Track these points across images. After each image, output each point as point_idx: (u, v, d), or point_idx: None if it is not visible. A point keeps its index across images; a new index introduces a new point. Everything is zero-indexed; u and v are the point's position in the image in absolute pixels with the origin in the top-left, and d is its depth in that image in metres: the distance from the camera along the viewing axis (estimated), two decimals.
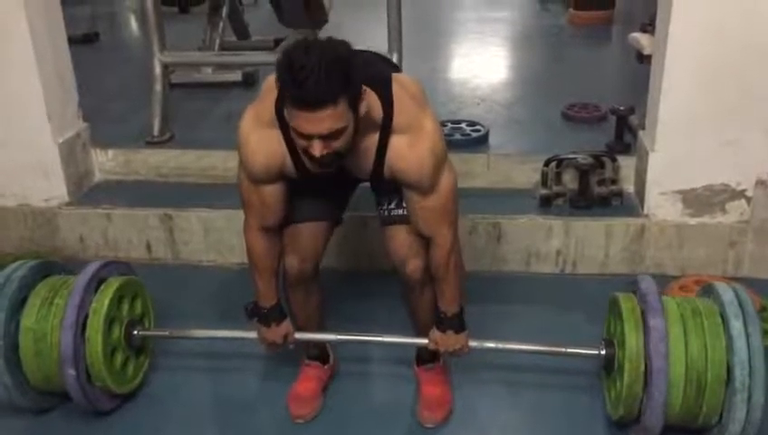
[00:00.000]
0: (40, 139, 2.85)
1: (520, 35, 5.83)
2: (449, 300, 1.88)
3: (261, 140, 1.68)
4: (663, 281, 2.41)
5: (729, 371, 1.72)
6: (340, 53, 1.48)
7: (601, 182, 2.86)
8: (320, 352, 2.17)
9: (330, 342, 2.14)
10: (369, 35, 3.30)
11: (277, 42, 4.62)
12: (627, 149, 3.09)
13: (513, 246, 2.75)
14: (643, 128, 2.80)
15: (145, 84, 3.56)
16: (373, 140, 1.67)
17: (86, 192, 3.07)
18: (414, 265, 1.87)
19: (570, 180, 2.91)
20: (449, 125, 3.36)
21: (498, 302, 2.57)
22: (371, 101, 1.61)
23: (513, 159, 3.08)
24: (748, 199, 2.60)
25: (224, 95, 4.08)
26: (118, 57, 5.24)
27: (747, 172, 2.57)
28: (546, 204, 2.85)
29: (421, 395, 2.08)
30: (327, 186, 1.89)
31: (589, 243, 2.73)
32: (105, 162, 3.18)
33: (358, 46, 1.64)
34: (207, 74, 4.32)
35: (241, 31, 4.96)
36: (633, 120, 3.16)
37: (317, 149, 1.52)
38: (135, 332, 2.10)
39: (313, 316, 2.09)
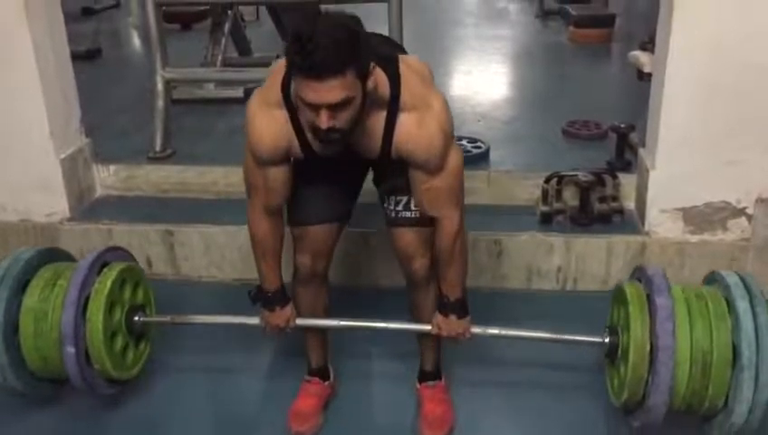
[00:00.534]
0: (42, 154, 2.85)
1: (520, 52, 5.86)
2: (453, 284, 1.87)
3: (267, 121, 1.67)
4: None
5: (735, 351, 1.71)
6: (350, 25, 1.49)
7: (602, 199, 2.86)
8: (320, 369, 2.17)
9: (332, 328, 2.12)
10: None
11: (279, 58, 4.62)
12: (627, 167, 3.10)
13: (514, 262, 2.75)
14: (643, 145, 2.81)
15: (147, 100, 3.58)
16: (380, 118, 1.65)
17: (88, 207, 3.07)
18: (420, 264, 1.90)
19: (570, 197, 2.91)
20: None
21: (498, 319, 2.53)
22: (379, 79, 1.60)
23: (514, 175, 3.08)
24: (749, 217, 2.60)
25: (225, 111, 4.10)
26: (120, 73, 5.27)
27: (748, 190, 2.57)
28: (547, 221, 2.85)
29: (423, 413, 2.07)
30: (334, 173, 1.88)
31: (590, 260, 2.73)
32: (107, 178, 3.19)
33: None
34: (209, 90, 4.34)
35: (243, 47, 4.99)
36: (633, 137, 3.17)
37: (324, 120, 1.50)
38: (136, 317, 2.10)
39: (320, 318, 2.10)
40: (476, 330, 1.96)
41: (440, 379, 2.11)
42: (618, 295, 1.96)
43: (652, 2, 6.94)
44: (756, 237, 2.60)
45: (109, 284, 1.99)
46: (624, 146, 3.19)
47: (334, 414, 2.13)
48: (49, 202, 2.92)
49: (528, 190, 3.00)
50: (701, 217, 2.63)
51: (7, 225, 2.94)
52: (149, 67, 3.56)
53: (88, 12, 7.42)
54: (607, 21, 5.73)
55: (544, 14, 6.74)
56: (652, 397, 1.74)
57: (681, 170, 2.59)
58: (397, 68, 1.65)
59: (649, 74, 2.85)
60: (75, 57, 3.11)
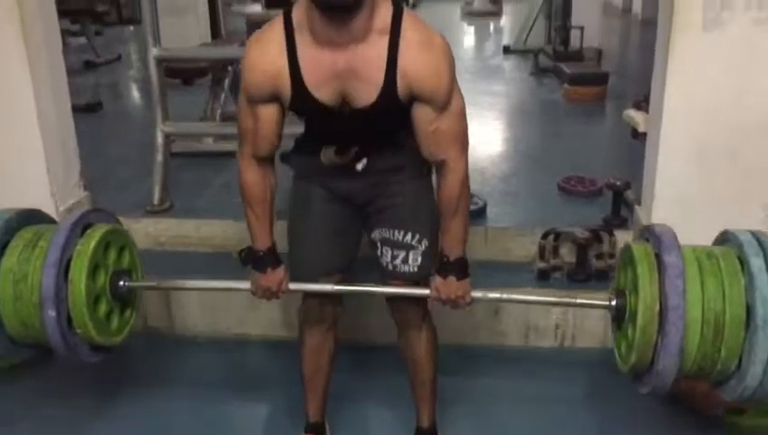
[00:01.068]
0: (42, 207, 2.83)
1: (515, 109, 5.95)
2: (454, 239, 1.80)
3: (261, 50, 1.66)
4: None
5: (749, 311, 1.62)
6: None
7: (599, 256, 2.87)
8: (317, 425, 2.12)
9: (326, 292, 1.95)
10: None
11: None
12: (623, 224, 3.12)
13: (512, 319, 2.74)
14: (639, 203, 2.83)
15: (146, 153, 3.61)
16: (383, 42, 1.60)
17: None
18: (414, 313, 1.91)
19: (567, 254, 2.92)
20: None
21: (496, 377, 2.54)
22: (382, 8, 1.60)
23: (510, 232, 3.09)
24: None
25: (224, 165, 4.13)
26: (120, 126, 5.33)
27: None
28: (544, 277, 2.85)
29: None
30: (334, 206, 1.87)
31: (588, 317, 2.71)
32: None
33: None
34: (208, 144, 4.38)
35: None
36: (629, 194, 3.19)
37: None
38: (121, 282, 1.99)
39: (323, 370, 2.04)
40: (477, 294, 1.87)
41: None
42: (625, 256, 1.88)
43: (644, 61, 7.09)
44: None
45: (92, 244, 1.88)
46: (620, 203, 3.21)
47: None
48: None
49: (525, 247, 3.01)
50: None
51: None
52: (149, 120, 3.61)
53: (90, 65, 7.54)
54: (600, 79, 5.84)
55: (539, 72, 6.87)
56: (662, 360, 1.64)
57: (677, 228, 2.59)
58: (401, 6, 1.66)
59: (644, 133, 2.89)
60: (76, 110, 3.14)
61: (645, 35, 9.17)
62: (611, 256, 2.86)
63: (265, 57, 1.65)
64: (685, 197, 2.56)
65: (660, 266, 1.70)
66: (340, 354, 2.09)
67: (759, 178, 2.51)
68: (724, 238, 1.85)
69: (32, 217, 2.08)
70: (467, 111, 1.73)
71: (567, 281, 2.83)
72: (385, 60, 1.60)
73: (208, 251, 3.12)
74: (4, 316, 1.91)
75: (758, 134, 2.47)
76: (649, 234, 1.84)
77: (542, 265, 2.86)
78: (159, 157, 3.46)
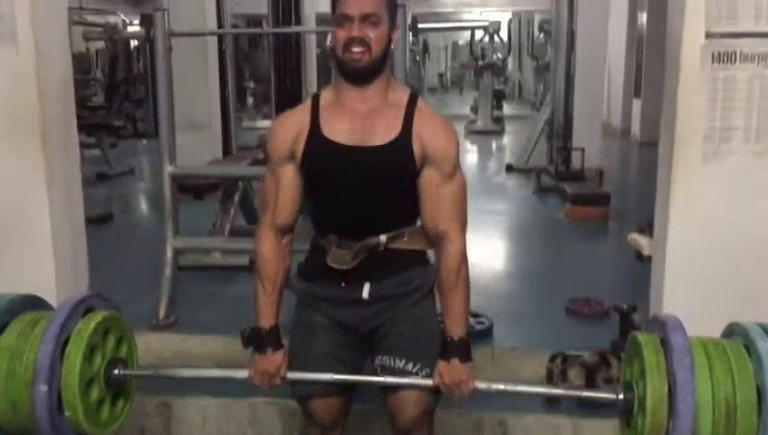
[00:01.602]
0: None
1: (519, 228, 6.02)
2: (457, 318, 1.79)
3: (288, 116, 1.88)
4: None
5: (760, 394, 1.59)
6: None
7: (608, 380, 2.83)
8: None
9: (326, 381, 1.89)
10: None
11: None
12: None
13: None
14: (647, 327, 2.82)
15: (153, 266, 3.63)
16: (400, 112, 1.80)
17: None
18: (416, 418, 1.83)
19: (575, 377, 2.88)
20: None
21: None
22: (399, 89, 1.85)
23: (518, 353, 3.07)
24: None
25: (231, 279, 4.15)
26: (129, 239, 5.39)
27: None
28: (553, 401, 2.80)
29: None
30: (338, 324, 1.88)
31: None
32: None
33: None
34: (215, 258, 4.42)
35: (250, 216, 5.13)
36: (636, 317, 3.19)
37: (356, 29, 1.72)
38: (116, 370, 1.94)
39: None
40: (481, 385, 1.82)
41: None
42: (630, 348, 1.85)
43: (645, 182, 7.24)
44: None
45: (92, 325, 1.86)
46: (627, 326, 3.20)
47: None
48: None
49: (533, 369, 2.97)
50: None
51: None
52: (158, 233, 3.66)
53: (102, 177, 7.72)
54: (603, 199, 5.95)
55: (541, 191, 7.00)
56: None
57: None
58: (416, 93, 1.88)
59: (649, 257, 2.92)
60: (87, 222, 3.18)
61: (644, 157, 9.41)
62: (620, 380, 2.82)
63: (290, 119, 1.87)
64: (691, 322, 2.54)
65: (666, 347, 1.70)
66: None
67: (763, 306, 2.52)
68: (730, 331, 1.86)
69: (35, 304, 2.08)
70: (469, 229, 1.83)
71: (577, 406, 2.77)
72: (401, 120, 1.80)
73: (212, 368, 3.08)
74: None
75: (761, 263, 2.50)
76: (653, 322, 1.86)
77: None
78: (168, 271, 3.49)
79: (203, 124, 6.63)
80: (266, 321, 1.86)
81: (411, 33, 3.45)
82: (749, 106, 2.47)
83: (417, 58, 11.73)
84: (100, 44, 14.79)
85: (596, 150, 7.33)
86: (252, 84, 14.45)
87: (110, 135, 8.65)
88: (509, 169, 8.30)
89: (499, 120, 12.82)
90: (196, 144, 6.18)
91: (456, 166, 1.82)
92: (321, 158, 1.80)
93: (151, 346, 3.18)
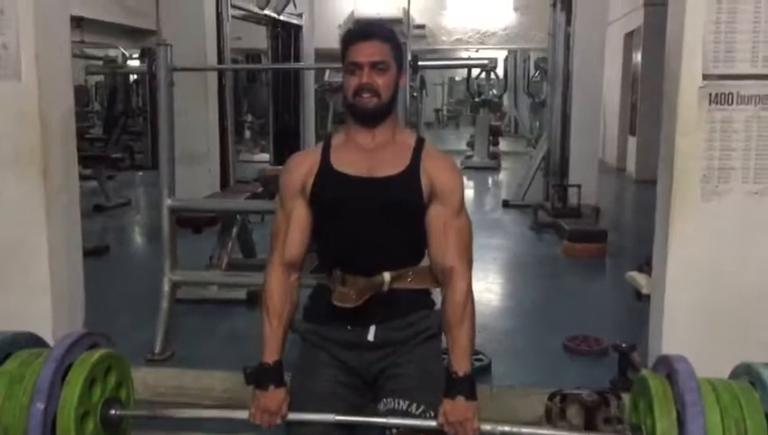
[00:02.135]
0: None
1: (516, 264, 6.02)
2: (462, 353, 1.77)
3: (300, 156, 1.97)
4: None
5: None
6: (391, 27, 1.91)
7: (607, 421, 2.79)
8: None
9: (328, 422, 1.83)
10: None
11: None
12: (631, 387, 3.06)
13: None
14: (646, 366, 2.80)
15: (150, 299, 3.61)
16: (408, 152, 1.86)
17: None
18: None
19: (574, 416, 2.84)
20: (446, 357, 3.37)
21: None
22: (406, 133, 1.93)
23: (516, 391, 3.04)
24: None
25: (228, 313, 4.13)
26: (125, 271, 5.37)
27: None
28: None
29: None
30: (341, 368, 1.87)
31: None
32: None
33: None
34: (212, 291, 4.40)
35: (248, 249, 5.13)
36: (635, 356, 3.17)
37: (365, 76, 1.79)
38: (113, 410, 1.92)
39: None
40: (486, 427, 1.79)
41: None
42: (637, 388, 1.86)
43: (641, 220, 7.26)
44: None
45: (96, 356, 1.86)
46: (627, 365, 3.18)
47: None
48: None
49: (532, 407, 2.94)
50: None
51: None
52: (154, 266, 3.65)
53: (99, 209, 7.72)
54: (600, 236, 5.96)
55: (538, 227, 7.01)
56: None
57: None
58: (423, 138, 1.94)
59: (647, 295, 2.92)
60: (84, 254, 3.17)
61: (639, 194, 9.47)
62: (619, 420, 2.79)
63: (303, 156, 1.96)
64: (692, 361, 2.54)
65: (672, 375, 1.71)
66: None
67: (764, 345, 2.51)
68: (736, 373, 1.87)
69: (37, 342, 2.09)
70: None
71: None
72: (410, 156, 1.85)
73: (208, 403, 3.03)
74: None
75: (760, 302, 2.51)
76: (660, 363, 1.87)
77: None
78: (164, 304, 3.47)
79: (202, 157, 6.64)
80: (270, 356, 1.84)
81: (412, 71, 3.50)
82: (746, 147, 2.50)
83: (415, 94, 11.84)
84: (99, 77, 14.91)
85: (592, 187, 7.36)
86: (250, 118, 14.54)
87: (107, 167, 8.66)
88: (506, 204, 8.33)
89: (495, 156, 12.91)
90: (194, 177, 6.19)
91: (462, 204, 1.86)
92: (329, 187, 1.84)
93: (147, 380, 3.14)
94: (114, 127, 11.76)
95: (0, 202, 2.74)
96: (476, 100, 13.80)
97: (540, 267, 5.81)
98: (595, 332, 3.73)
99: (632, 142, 11.07)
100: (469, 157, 12.84)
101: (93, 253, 5.37)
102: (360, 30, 1.87)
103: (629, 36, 11.48)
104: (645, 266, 3.10)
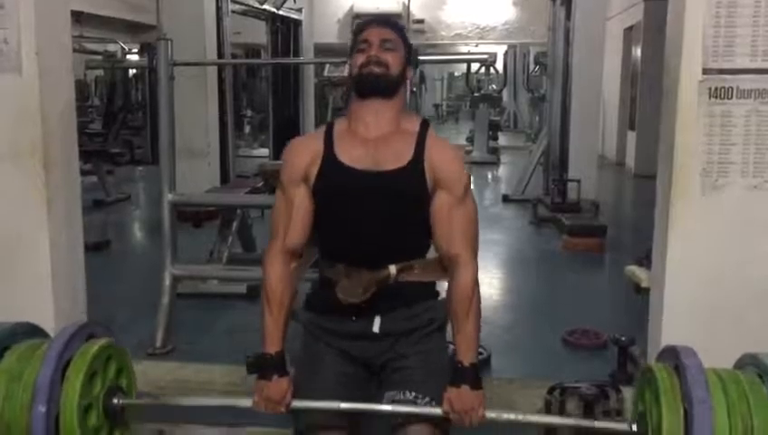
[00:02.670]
0: None
1: (516, 259, 6.03)
2: (468, 343, 1.77)
3: (303, 140, 1.96)
4: None
5: None
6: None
7: (606, 413, 2.80)
8: None
9: (332, 410, 1.84)
10: None
11: None
12: (630, 380, 3.08)
13: None
14: (645, 359, 2.82)
15: (150, 293, 3.62)
16: (411, 138, 1.83)
17: None
18: None
19: (574, 409, 2.85)
20: (451, 346, 3.38)
21: None
22: (412, 116, 1.90)
23: (515, 384, 3.05)
24: None
25: (228, 307, 4.15)
26: (126, 265, 5.39)
27: None
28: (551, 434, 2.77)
29: None
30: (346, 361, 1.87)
31: None
32: None
33: None
34: (213, 285, 4.41)
35: (248, 244, 5.13)
36: (635, 350, 3.18)
37: (374, 48, 1.80)
38: (115, 399, 1.92)
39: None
40: (491, 414, 1.79)
41: None
42: (643, 377, 1.85)
43: (640, 214, 7.26)
44: None
45: (95, 349, 1.85)
46: (626, 358, 3.20)
47: None
48: None
49: (531, 400, 2.94)
50: None
51: None
52: (155, 260, 3.66)
53: (99, 204, 7.72)
54: (599, 231, 5.97)
55: (538, 221, 7.02)
56: None
57: None
58: (428, 121, 1.93)
59: (647, 289, 2.93)
60: (84, 248, 3.17)
61: (639, 189, 9.47)
62: (618, 412, 2.80)
63: (304, 143, 1.93)
64: None
65: (680, 370, 1.70)
66: None
67: (763, 338, 2.52)
68: (742, 363, 1.87)
69: (34, 332, 2.08)
70: None
71: None
72: (413, 146, 1.82)
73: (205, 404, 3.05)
74: None
75: (759, 295, 2.51)
76: (667, 352, 1.87)
77: None
78: (165, 299, 3.48)
79: (201, 152, 6.65)
80: (272, 346, 1.83)
81: (412, 65, 3.52)
82: (746, 141, 2.50)
83: (414, 89, 11.85)
84: (99, 72, 14.88)
85: (592, 182, 7.36)
86: (249, 113, 14.53)
87: (107, 162, 8.66)
88: (505, 199, 8.34)
89: (495, 151, 12.89)
90: (194, 172, 6.20)
91: (468, 190, 1.84)
92: (334, 180, 1.82)
93: (148, 374, 3.15)
94: (114, 122, 11.72)
95: (1, 196, 2.74)
96: (476, 95, 13.77)
97: (539, 262, 5.82)
98: (594, 325, 3.75)
99: (632, 137, 11.08)
100: (468, 152, 12.82)
101: (94, 248, 5.38)
102: (374, 19, 1.91)
103: (629, 31, 11.48)
104: (644, 260, 3.11)
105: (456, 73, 23.32)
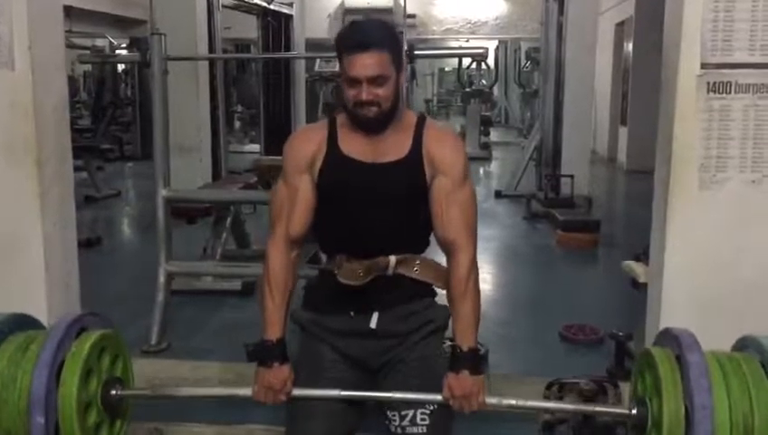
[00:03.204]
0: None
1: (510, 254, 6.03)
2: (467, 327, 1.77)
3: (307, 130, 1.97)
4: None
5: None
6: (387, 22, 1.87)
7: None
8: None
9: (334, 398, 1.84)
10: None
11: None
12: (627, 375, 3.08)
13: None
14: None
15: (144, 290, 3.60)
16: (409, 133, 1.85)
17: None
18: None
19: (572, 404, 2.85)
20: (447, 342, 3.36)
21: None
22: (408, 114, 1.90)
23: (513, 380, 3.05)
24: None
25: (223, 303, 4.12)
26: (119, 262, 5.35)
27: None
28: (549, 430, 2.77)
29: None
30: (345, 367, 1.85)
31: None
32: None
33: None
34: (207, 282, 4.39)
35: (241, 240, 5.11)
36: (632, 345, 3.18)
37: (365, 92, 1.75)
38: (113, 391, 1.91)
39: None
40: (492, 400, 1.79)
41: None
42: (643, 362, 1.83)
43: (633, 210, 7.27)
44: None
45: (87, 347, 1.83)
46: (623, 354, 3.20)
47: None
48: None
49: (529, 396, 2.93)
50: None
51: None
52: (148, 256, 3.64)
53: (90, 200, 7.66)
54: (593, 226, 5.98)
55: (531, 217, 7.02)
56: None
57: None
58: (424, 115, 1.95)
59: (644, 284, 2.92)
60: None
61: (631, 185, 9.50)
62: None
63: (309, 132, 1.92)
64: None
65: (683, 367, 1.68)
66: None
67: (761, 333, 2.53)
68: (743, 344, 1.85)
69: (24, 323, 2.05)
70: None
71: None
72: (411, 139, 1.85)
73: (204, 394, 3.03)
74: None
75: (758, 290, 2.52)
76: (667, 337, 1.84)
77: (547, 416, 2.79)
78: (160, 296, 3.45)
79: (193, 148, 6.61)
80: (273, 332, 1.83)
81: (408, 60, 3.49)
82: (744, 135, 2.50)
83: (406, 84, 11.84)
84: (87, 67, 14.77)
85: (585, 178, 7.37)
86: (240, 108, 14.46)
87: (96, 158, 8.59)
88: (498, 195, 8.33)
89: (486, 147, 12.89)
90: (185, 168, 6.14)
91: (466, 175, 1.85)
92: (337, 171, 1.84)
93: (144, 372, 3.10)
94: (102, 117, 11.65)
95: None
96: (467, 90, 13.76)
97: (534, 257, 5.82)
98: (591, 320, 3.75)
99: (623, 132, 11.10)
100: None
101: (86, 244, 5.34)
102: (355, 39, 1.78)
103: (620, 26, 11.49)
104: (642, 256, 3.10)
105: (446, 69, 23.28)
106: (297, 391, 1.83)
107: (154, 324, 3.40)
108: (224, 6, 7.12)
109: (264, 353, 1.82)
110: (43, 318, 2.76)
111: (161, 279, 3.47)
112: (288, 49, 8.45)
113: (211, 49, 6.83)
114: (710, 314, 2.51)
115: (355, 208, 1.84)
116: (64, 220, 2.92)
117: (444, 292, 1.91)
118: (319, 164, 1.85)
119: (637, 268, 3.02)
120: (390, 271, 1.84)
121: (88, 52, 11.22)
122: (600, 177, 9.80)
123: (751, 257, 2.51)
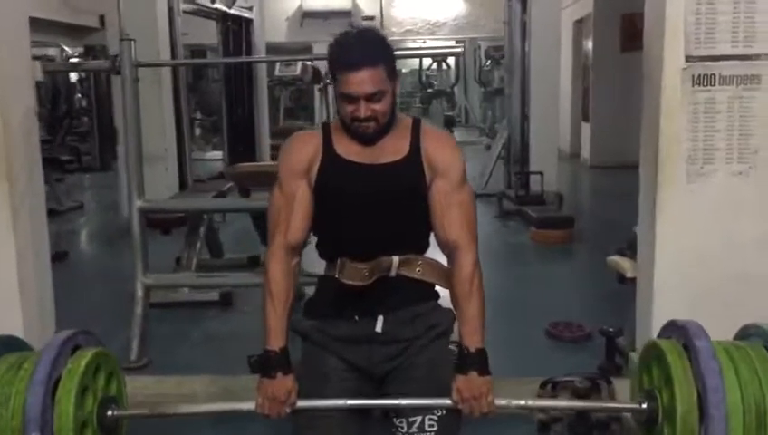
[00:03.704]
0: None
1: (485, 253, 5.87)
2: (473, 327, 1.75)
3: (302, 136, 1.90)
4: None
5: None
6: (379, 33, 1.82)
7: None
8: None
9: (338, 408, 1.81)
10: None
11: (251, 259, 4.68)
12: (618, 371, 3.08)
13: None
14: (633, 349, 2.82)
15: (117, 305, 3.50)
16: (407, 136, 1.84)
17: None
18: None
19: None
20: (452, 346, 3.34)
21: None
22: (403, 120, 1.87)
23: (505, 381, 3.01)
24: None
25: (201, 315, 4.02)
26: (89, 276, 5.19)
27: None
28: (544, 430, 2.75)
29: None
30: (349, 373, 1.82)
31: None
32: None
33: None
34: (184, 293, 4.28)
35: (215, 249, 5.01)
36: (622, 341, 3.19)
37: (362, 109, 1.73)
38: (109, 411, 1.86)
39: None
40: (501, 401, 1.77)
41: None
42: (650, 354, 1.83)
43: (601, 204, 7.33)
44: None
45: (83, 365, 1.79)
46: (614, 350, 3.20)
47: None
48: None
49: (522, 396, 2.91)
50: None
51: None
52: (117, 270, 3.53)
53: (52, 213, 7.41)
54: (567, 222, 6.01)
55: (503, 215, 7.03)
56: None
57: None
58: (419, 119, 1.93)
59: (632, 278, 2.93)
60: None
61: (596, 180, 9.62)
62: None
63: (304, 138, 1.89)
64: None
65: (691, 353, 1.68)
66: None
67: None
68: (746, 333, 1.86)
69: (10, 344, 2.00)
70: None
71: (568, 433, 2.73)
72: (409, 140, 1.84)
73: (190, 411, 2.94)
74: None
75: (748, 281, 2.54)
76: (672, 329, 1.84)
77: (541, 416, 2.78)
78: (139, 310, 3.35)
79: (158, 157, 6.44)
80: (276, 342, 1.79)
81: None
82: (729, 127, 2.52)
83: None
84: (39, 77, 14.38)
85: (553, 174, 7.42)
86: (199, 115, 14.24)
87: (56, 170, 8.35)
88: None
89: None
90: (152, 177, 5.91)
91: (464, 177, 1.85)
92: (335, 175, 1.81)
93: (127, 390, 3.02)
94: (59, 128, 11.36)
95: None
96: (429, 90, 13.77)
97: (510, 255, 5.83)
98: (575, 317, 3.75)
99: (586, 128, 11.22)
100: None
101: (53, 259, 5.15)
102: (349, 58, 1.74)
103: (579, 23, 11.62)
104: (626, 250, 3.11)
105: (403, 70, 23.31)
106: (302, 403, 1.78)
107: (133, 339, 3.29)
108: (183, 12, 6.98)
109: (266, 363, 1.78)
110: (20, 334, 2.64)
111: (139, 293, 3.36)
112: (249, 53, 8.33)
113: (174, 55, 6.69)
114: (702, 305, 2.52)
115: (355, 210, 1.82)
116: (37, 235, 2.83)
117: (446, 293, 1.88)
118: (316, 167, 1.82)
119: (624, 263, 3.02)
120: (393, 272, 1.82)
121: (49, 60, 10.92)
122: (565, 173, 9.87)
123: (740, 248, 2.52)
